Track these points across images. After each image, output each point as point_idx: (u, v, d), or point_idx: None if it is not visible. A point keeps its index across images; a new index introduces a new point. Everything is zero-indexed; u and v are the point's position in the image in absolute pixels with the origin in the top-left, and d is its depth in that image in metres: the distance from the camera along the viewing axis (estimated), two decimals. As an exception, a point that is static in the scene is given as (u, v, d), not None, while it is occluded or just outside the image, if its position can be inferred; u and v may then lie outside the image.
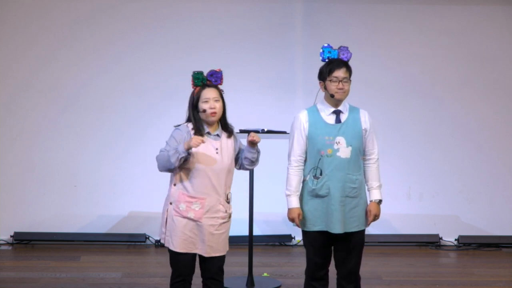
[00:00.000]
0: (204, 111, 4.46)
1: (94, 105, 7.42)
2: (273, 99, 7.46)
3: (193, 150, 4.40)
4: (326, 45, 4.67)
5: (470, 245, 7.49)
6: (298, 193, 4.63)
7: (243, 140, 4.68)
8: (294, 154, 4.62)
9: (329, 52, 4.64)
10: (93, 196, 7.43)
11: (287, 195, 4.63)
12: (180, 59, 7.31)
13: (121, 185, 7.42)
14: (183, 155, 4.34)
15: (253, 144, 4.51)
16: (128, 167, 7.38)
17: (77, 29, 7.38)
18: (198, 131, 4.47)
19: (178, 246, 4.49)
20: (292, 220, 4.63)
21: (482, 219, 7.58)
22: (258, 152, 4.58)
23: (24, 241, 7.36)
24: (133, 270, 6.53)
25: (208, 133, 4.50)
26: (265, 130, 5.90)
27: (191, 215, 4.46)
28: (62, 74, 7.40)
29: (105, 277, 6.25)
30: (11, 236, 7.36)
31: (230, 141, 4.57)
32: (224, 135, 4.55)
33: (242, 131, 5.86)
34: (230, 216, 4.57)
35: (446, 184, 7.59)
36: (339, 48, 4.65)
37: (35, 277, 6.23)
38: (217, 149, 4.49)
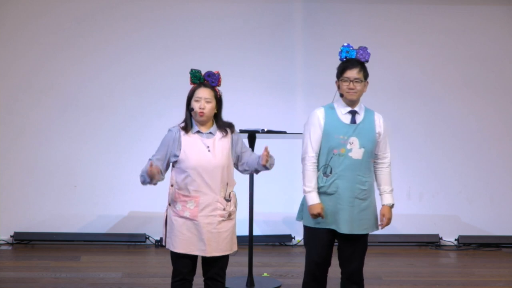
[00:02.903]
0: (193, 109, 4.45)
1: (94, 105, 7.42)
2: (273, 99, 7.45)
3: (184, 149, 4.42)
4: (346, 44, 4.63)
5: (470, 245, 7.49)
6: (317, 189, 4.53)
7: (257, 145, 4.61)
8: (312, 150, 4.53)
9: (347, 52, 4.61)
10: (93, 196, 7.43)
11: (307, 192, 4.51)
12: (180, 59, 7.30)
13: (121, 185, 7.42)
14: (147, 182, 4.47)
15: (265, 163, 4.48)
16: (128, 167, 7.36)
17: (77, 29, 7.38)
18: (185, 128, 4.48)
19: (178, 246, 4.47)
20: (317, 215, 4.49)
21: (482, 219, 7.58)
22: (268, 168, 4.55)
23: (24, 241, 7.36)
24: (133, 270, 6.52)
25: (198, 131, 4.48)
26: (265, 130, 5.89)
27: (187, 214, 4.45)
28: (62, 74, 7.40)
29: (105, 277, 6.25)
30: (11, 236, 7.36)
31: (226, 139, 4.52)
32: (218, 133, 4.52)
33: (242, 131, 5.86)
34: (230, 215, 4.52)
35: (446, 184, 7.59)
36: (358, 48, 4.62)
37: (35, 277, 6.23)
38: (208, 147, 4.46)
